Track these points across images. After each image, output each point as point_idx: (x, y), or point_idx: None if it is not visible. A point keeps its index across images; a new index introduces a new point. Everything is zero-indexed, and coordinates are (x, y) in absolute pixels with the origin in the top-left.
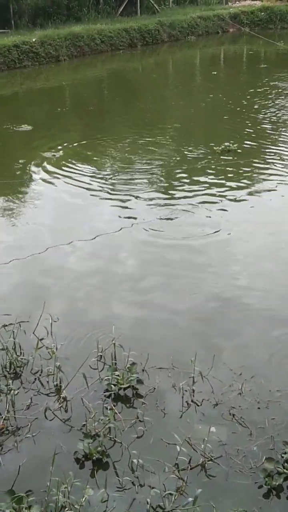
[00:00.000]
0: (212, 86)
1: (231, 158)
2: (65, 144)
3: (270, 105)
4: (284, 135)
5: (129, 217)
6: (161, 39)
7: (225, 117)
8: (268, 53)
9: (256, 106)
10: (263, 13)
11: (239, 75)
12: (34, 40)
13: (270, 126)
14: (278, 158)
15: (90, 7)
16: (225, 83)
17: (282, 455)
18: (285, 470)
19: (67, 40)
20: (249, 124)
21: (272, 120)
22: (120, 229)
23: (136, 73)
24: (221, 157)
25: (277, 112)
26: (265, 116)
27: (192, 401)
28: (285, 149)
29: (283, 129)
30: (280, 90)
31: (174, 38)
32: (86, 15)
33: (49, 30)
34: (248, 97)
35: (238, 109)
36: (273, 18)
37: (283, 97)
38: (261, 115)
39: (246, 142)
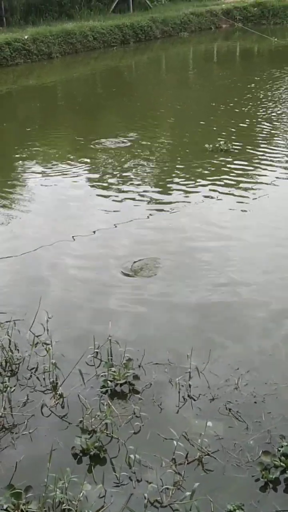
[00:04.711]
0: (205, 84)
1: (223, 156)
2: (58, 142)
3: (263, 105)
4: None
5: (123, 215)
6: (153, 35)
7: (219, 116)
8: (261, 49)
9: (250, 103)
10: (255, 9)
11: (233, 71)
12: (26, 37)
13: (268, 124)
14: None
15: (83, 4)
16: (219, 80)
17: (279, 448)
18: (281, 463)
19: (59, 37)
20: (242, 121)
21: (266, 117)
22: (115, 226)
23: (129, 70)
24: (214, 155)
25: (273, 110)
26: (260, 113)
27: (188, 396)
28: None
29: (278, 124)
30: (277, 88)
31: (167, 34)
32: (79, 12)
33: (41, 27)
34: (242, 94)
35: (232, 106)
36: (265, 13)
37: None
38: (257, 112)
39: (237, 140)
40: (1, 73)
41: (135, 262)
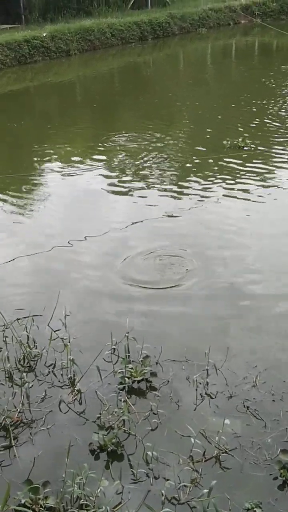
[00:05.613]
0: (223, 80)
1: (241, 153)
2: (75, 139)
3: (283, 102)
4: None
5: (139, 213)
6: (172, 31)
7: (237, 112)
8: (281, 45)
9: (268, 100)
10: (274, 4)
11: (252, 68)
12: (44, 34)
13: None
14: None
15: (101, 1)
16: (237, 76)
17: None
18: None
19: (77, 35)
20: (261, 119)
21: (286, 114)
22: (132, 224)
23: (147, 67)
24: (233, 152)
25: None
26: (280, 110)
27: (206, 393)
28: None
29: None
30: None
31: (185, 30)
32: (97, 9)
33: (59, 25)
34: (260, 91)
35: (250, 102)
36: (285, 8)
37: None
38: (276, 109)
39: (256, 137)
40: (20, 70)
41: (151, 260)
